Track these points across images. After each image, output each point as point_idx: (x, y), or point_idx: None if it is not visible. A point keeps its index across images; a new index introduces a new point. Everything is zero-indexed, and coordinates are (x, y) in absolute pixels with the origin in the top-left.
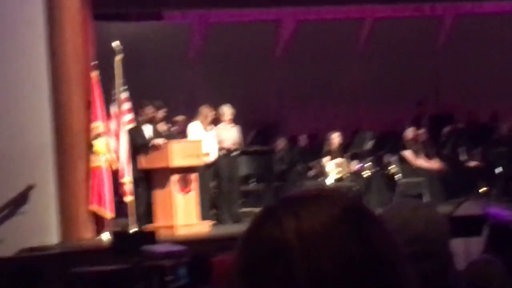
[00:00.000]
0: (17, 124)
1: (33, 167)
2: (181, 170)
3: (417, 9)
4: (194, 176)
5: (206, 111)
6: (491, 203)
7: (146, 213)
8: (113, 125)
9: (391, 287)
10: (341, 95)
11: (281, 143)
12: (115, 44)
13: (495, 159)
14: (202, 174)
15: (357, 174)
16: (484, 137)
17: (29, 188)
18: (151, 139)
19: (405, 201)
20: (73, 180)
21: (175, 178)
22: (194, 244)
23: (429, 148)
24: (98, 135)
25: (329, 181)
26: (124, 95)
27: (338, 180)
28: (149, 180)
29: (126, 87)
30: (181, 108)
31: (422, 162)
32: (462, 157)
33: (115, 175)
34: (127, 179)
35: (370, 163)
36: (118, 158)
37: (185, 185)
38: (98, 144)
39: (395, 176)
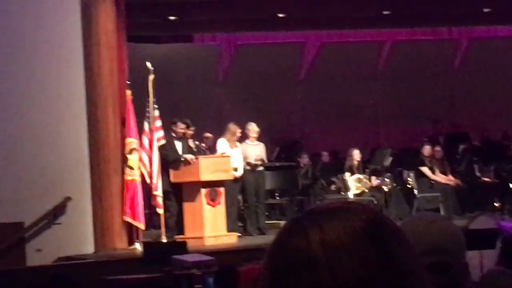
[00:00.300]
0: (55, 140)
1: (70, 180)
2: (210, 184)
3: (434, 32)
4: (222, 190)
5: (234, 128)
6: (504, 217)
7: (176, 224)
8: (145, 141)
9: None
10: (361, 114)
11: (304, 159)
12: (148, 64)
13: (507, 176)
14: (229, 188)
15: (376, 188)
16: (497, 154)
17: (66, 200)
18: (182, 154)
19: (423, 214)
20: (108, 193)
21: (204, 191)
22: (221, 255)
23: (445, 165)
24: (132, 150)
25: (350, 195)
26: (156, 112)
27: (358, 194)
28: (179, 193)
29: (156, 106)
30: (209, 126)
31: (438, 177)
32: (476, 173)
33: (147, 188)
34: (159, 192)
35: (389, 179)
36: (150, 172)
37: (213, 198)
38: (132, 159)
39: (414, 190)
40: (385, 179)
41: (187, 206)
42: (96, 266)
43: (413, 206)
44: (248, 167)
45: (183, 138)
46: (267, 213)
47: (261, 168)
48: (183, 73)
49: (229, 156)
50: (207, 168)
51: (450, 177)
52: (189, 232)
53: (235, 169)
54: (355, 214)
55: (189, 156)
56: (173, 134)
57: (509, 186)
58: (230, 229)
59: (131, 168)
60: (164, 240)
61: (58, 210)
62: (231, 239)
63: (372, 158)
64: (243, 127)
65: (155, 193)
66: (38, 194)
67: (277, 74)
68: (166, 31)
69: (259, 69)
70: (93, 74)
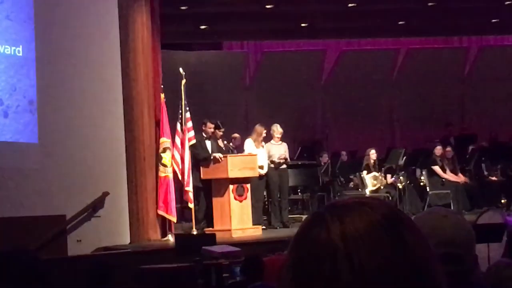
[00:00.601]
0: (95, 138)
1: (108, 176)
2: (237, 180)
3: (446, 41)
4: (248, 186)
5: (260, 129)
6: (510, 213)
7: (206, 217)
8: (178, 140)
9: (425, 284)
10: (378, 117)
11: (324, 158)
12: (180, 70)
13: None
14: (255, 184)
15: (391, 185)
16: (504, 154)
17: (105, 194)
18: (212, 153)
19: (435, 209)
20: (143, 188)
21: (232, 187)
22: (247, 246)
23: (455, 164)
24: (165, 149)
25: (367, 191)
26: (188, 114)
27: (374, 191)
28: (209, 189)
29: (187, 108)
30: (237, 127)
31: (449, 176)
32: (484, 172)
33: (179, 184)
34: (190, 188)
35: (403, 176)
36: (182, 169)
37: (240, 194)
38: (165, 157)
39: (427, 188)
40: (400, 177)
41: (216, 201)
42: (131, 256)
43: (426, 202)
44: (272, 165)
45: (212, 137)
46: (289, 208)
47: (284, 166)
48: (213, 78)
49: (255, 155)
50: (235, 166)
51: (460, 175)
52: (218, 225)
53: (261, 167)
54: (372, 208)
55: (218, 155)
56: (203, 134)
57: None
58: (255, 222)
59: (165, 165)
60: (195, 232)
61: (97, 204)
62: (257, 231)
63: (387, 158)
64: (268, 128)
65: (186, 188)
66: (78, 189)
67: (299, 79)
68: (197, 39)
69: (283, 75)
70: (130, 79)
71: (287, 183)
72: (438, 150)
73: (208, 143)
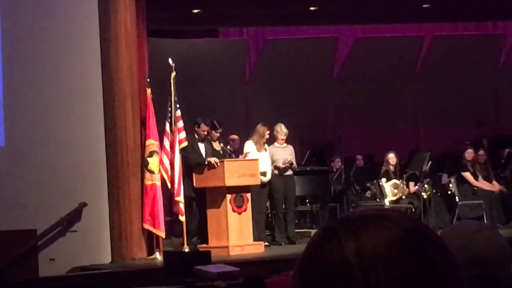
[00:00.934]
0: (70, 141)
1: (86, 185)
2: (236, 189)
3: (478, 27)
4: (248, 196)
5: (263, 130)
6: None
7: (199, 232)
8: (166, 142)
9: None
10: (399, 115)
11: (337, 163)
12: (169, 61)
13: None
14: (256, 193)
15: (415, 195)
16: None
17: (82, 206)
18: (206, 157)
19: (466, 223)
20: (126, 198)
21: (229, 197)
22: (247, 265)
23: (488, 170)
24: (152, 153)
25: (386, 202)
26: (178, 112)
27: (395, 201)
28: (203, 199)
29: (178, 105)
30: (235, 127)
31: (481, 184)
32: None
33: (168, 194)
34: (181, 198)
35: (428, 184)
36: (172, 176)
37: (239, 204)
38: (153, 162)
39: (456, 197)
40: (424, 185)
41: (211, 213)
42: (113, 277)
43: (454, 214)
44: (276, 172)
45: (206, 139)
46: (296, 221)
47: (290, 173)
48: (208, 70)
49: (256, 160)
50: (233, 172)
51: (494, 183)
52: (213, 241)
53: (263, 174)
54: (392, 222)
55: (213, 159)
56: (196, 136)
57: None
58: (257, 238)
59: (151, 172)
60: (186, 249)
61: (73, 217)
62: (258, 248)
63: (410, 162)
64: (271, 128)
65: (177, 199)
66: (51, 200)
67: (308, 72)
68: (189, 25)
69: (289, 66)
70: (111, 71)
71: (293, 192)
72: (469, 153)
73: (202, 146)
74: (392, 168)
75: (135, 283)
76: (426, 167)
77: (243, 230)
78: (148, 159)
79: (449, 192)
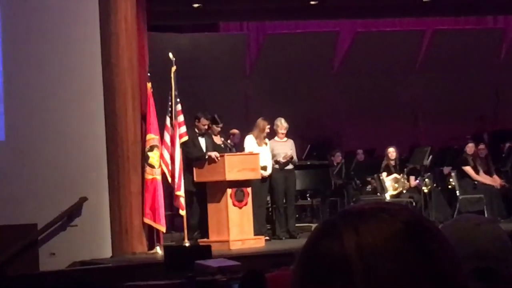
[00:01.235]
0: (70, 136)
1: (86, 179)
2: (236, 183)
3: (479, 21)
4: (249, 190)
5: (263, 124)
6: None
7: (200, 227)
8: (167, 137)
9: None
10: (400, 109)
11: (337, 157)
12: (170, 55)
13: None
14: (257, 188)
15: (415, 189)
16: None
17: (82, 200)
18: (206, 151)
19: (467, 217)
20: (126, 193)
21: (230, 191)
22: (248, 259)
23: (489, 164)
24: (152, 147)
25: (387, 196)
26: (179, 107)
27: (395, 195)
28: (203, 194)
29: (178, 99)
30: (235, 121)
31: (482, 178)
32: None
33: (169, 188)
34: (181, 192)
35: (429, 179)
36: (172, 170)
37: (240, 199)
38: (153, 157)
39: (456, 191)
40: (425, 179)
41: (211, 208)
42: (113, 272)
43: (455, 208)
44: (277, 166)
45: (207, 134)
46: (297, 215)
47: (291, 167)
48: (208, 65)
49: (257, 154)
50: (233, 167)
51: (495, 177)
52: (214, 235)
53: (264, 168)
54: (393, 215)
55: (214, 154)
56: (197, 130)
57: None
58: (257, 232)
59: (152, 166)
60: (187, 243)
61: (73, 211)
62: (259, 243)
63: (410, 157)
64: (271, 122)
65: (177, 193)
66: (51, 194)
67: (308, 66)
68: (189, 20)
69: (289, 60)
70: (111, 65)
71: (294, 186)
72: (470, 148)
73: (202, 140)
74: (392, 162)
75: (136, 277)
76: (427, 161)
77: (243, 224)
78: (149, 153)
79: (449, 186)
